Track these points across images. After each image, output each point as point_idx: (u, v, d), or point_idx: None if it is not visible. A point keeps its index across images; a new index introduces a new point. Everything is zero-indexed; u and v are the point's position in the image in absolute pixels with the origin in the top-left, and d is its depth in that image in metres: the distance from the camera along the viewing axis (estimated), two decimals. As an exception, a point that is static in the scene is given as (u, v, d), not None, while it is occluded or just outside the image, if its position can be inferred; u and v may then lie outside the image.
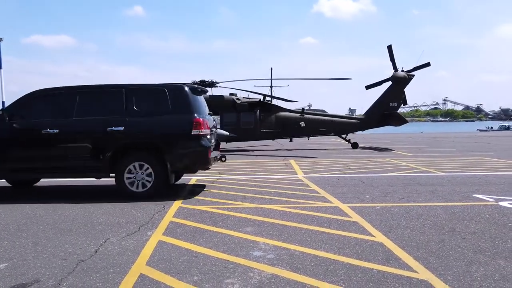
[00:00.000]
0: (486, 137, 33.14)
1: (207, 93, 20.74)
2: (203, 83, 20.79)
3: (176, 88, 6.85)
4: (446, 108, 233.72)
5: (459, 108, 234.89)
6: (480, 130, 62.95)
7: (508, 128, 68.40)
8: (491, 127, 69.47)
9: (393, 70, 20.56)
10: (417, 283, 3.08)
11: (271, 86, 54.97)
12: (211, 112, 8.05)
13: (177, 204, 6.18)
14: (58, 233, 4.61)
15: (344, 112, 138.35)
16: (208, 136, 6.88)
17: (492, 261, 3.55)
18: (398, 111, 21.24)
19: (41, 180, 8.57)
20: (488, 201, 6.16)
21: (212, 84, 20.94)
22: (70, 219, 5.28)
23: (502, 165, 11.21)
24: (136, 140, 6.66)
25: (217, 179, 9.04)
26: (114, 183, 6.79)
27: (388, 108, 20.30)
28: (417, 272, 3.29)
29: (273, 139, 20.75)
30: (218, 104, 19.79)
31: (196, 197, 6.76)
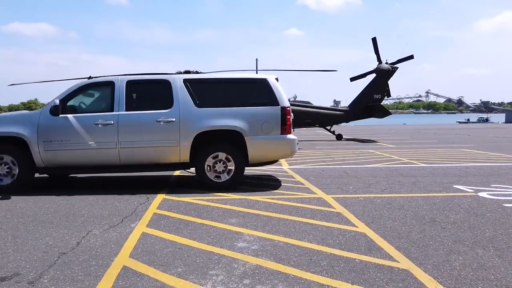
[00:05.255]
0: (466, 129, 33.90)
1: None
2: (187, 73, 20.58)
3: None
4: (429, 100, 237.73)
5: (441, 100, 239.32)
6: (460, 122, 64.77)
7: (486, 121, 70.28)
8: (469, 119, 71.49)
9: (377, 63, 20.73)
10: (398, 272, 3.14)
11: (256, 77, 54.66)
12: None
13: (161, 195, 6.14)
14: (38, 226, 4.53)
15: (329, 103, 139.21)
16: None
17: (471, 250, 3.64)
18: (381, 103, 21.48)
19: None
20: (468, 192, 6.30)
21: (197, 74, 20.73)
22: (51, 211, 5.19)
23: (481, 157, 11.48)
24: None
25: (202, 170, 8.99)
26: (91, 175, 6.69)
27: (372, 100, 20.50)
28: (398, 262, 3.36)
29: (258, 131, 20.72)
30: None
31: (180, 189, 6.72)
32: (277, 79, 7.16)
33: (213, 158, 6.59)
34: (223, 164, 6.61)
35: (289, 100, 21.67)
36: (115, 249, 3.71)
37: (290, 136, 6.68)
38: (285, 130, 6.61)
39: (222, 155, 6.58)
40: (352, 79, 21.60)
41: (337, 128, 22.98)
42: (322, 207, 5.36)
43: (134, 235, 4.13)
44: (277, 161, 7.30)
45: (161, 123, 6.42)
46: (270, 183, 7.21)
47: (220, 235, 4.13)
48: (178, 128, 6.45)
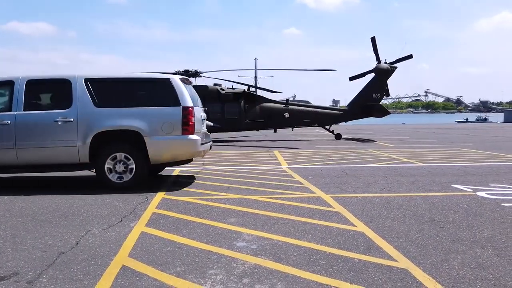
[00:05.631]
0: (465, 128, 33.96)
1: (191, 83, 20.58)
2: (186, 72, 20.56)
3: None
4: (428, 100, 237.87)
5: (440, 100, 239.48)
6: (458, 122, 65.06)
7: (485, 120, 70.50)
8: (467, 119, 71.73)
9: (376, 62, 20.73)
10: (397, 271, 3.15)
11: (255, 77, 54.81)
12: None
13: (160, 195, 6.13)
14: (37, 225, 4.52)
15: (328, 103, 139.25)
16: None
17: (469, 249, 3.65)
18: (380, 103, 21.50)
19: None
20: (466, 191, 6.32)
21: (196, 74, 20.72)
22: (50, 211, 5.19)
23: (480, 156, 11.50)
24: None
25: (201, 170, 9.00)
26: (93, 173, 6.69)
27: (371, 100, 20.50)
28: (397, 261, 3.36)
29: (257, 130, 20.74)
30: (202, 94, 19.63)
31: (179, 188, 6.71)
32: (185, 80, 7.11)
33: (113, 158, 6.51)
34: (123, 164, 6.53)
35: (288, 99, 21.58)
36: (114, 249, 3.71)
37: (192, 136, 6.60)
38: (186, 130, 6.54)
39: (122, 156, 6.51)
40: (351, 79, 21.59)
41: (336, 128, 22.99)
42: (321, 206, 5.36)
43: (133, 235, 4.13)
44: (189, 160, 7.21)
45: (59, 123, 6.36)
46: (269, 182, 7.21)
47: (219, 235, 4.13)
48: (76, 128, 6.38)
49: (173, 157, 6.79)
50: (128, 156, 6.51)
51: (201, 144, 6.84)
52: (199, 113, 7.15)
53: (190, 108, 6.61)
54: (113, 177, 6.52)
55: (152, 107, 6.57)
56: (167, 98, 6.60)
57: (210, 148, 7.69)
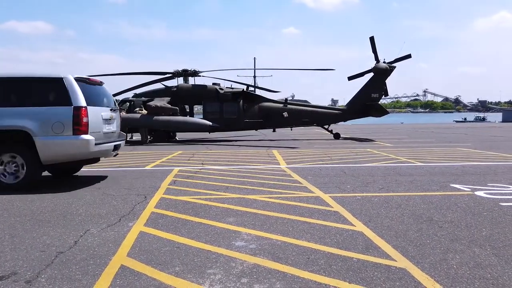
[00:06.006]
0: (463, 128, 34.02)
1: (189, 82, 20.59)
2: (185, 72, 20.56)
3: None
4: (426, 99, 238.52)
5: (439, 99, 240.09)
6: (457, 121, 65.41)
7: (483, 120, 70.79)
8: (466, 118, 72.07)
9: (375, 62, 20.75)
10: (395, 271, 3.15)
11: (254, 76, 54.86)
12: None
13: (158, 194, 6.13)
14: (36, 225, 4.52)
15: (326, 102, 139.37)
16: None
17: (468, 249, 3.65)
18: (379, 102, 21.53)
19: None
20: (465, 190, 6.33)
21: (195, 73, 20.73)
22: (48, 210, 5.18)
23: (478, 156, 11.52)
24: None
25: (200, 169, 9.00)
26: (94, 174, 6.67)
27: (369, 99, 20.53)
28: (396, 261, 3.37)
29: (256, 130, 20.76)
30: (201, 94, 19.66)
31: (178, 188, 6.71)
32: (86, 79, 6.99)
33: (2, 159, 6.48)
34: (14, 165, 6.49)
35: (286, 99, 21.60)
36: (113, 248, 3.70)
37: (84, 136, 6.50)
38: (78, 130, 6.45)
39: (10, 156, 6.47)
40: (350, 78, 21.61)
41: (335, 127, 23.01)
42: (319, 206, 5.37)
43: (132, 234, 4.13)
44: (95, 160, 7.14)
45: None
46: (267, 182, 7.22)
47: (218, 234, 4.13)
48: None
49: (66, 157, 6.70)
50: (19, 157, 6.46)
51: (98, 144, 6.77)
52: (99, 112, 7.03)
53: (83, 108, 6.50)
54: (8, 179, 6.50)
55: (43, 106, 6.50)
56: (59, 97, 6.53)
57: (117, 148, 7.56)
